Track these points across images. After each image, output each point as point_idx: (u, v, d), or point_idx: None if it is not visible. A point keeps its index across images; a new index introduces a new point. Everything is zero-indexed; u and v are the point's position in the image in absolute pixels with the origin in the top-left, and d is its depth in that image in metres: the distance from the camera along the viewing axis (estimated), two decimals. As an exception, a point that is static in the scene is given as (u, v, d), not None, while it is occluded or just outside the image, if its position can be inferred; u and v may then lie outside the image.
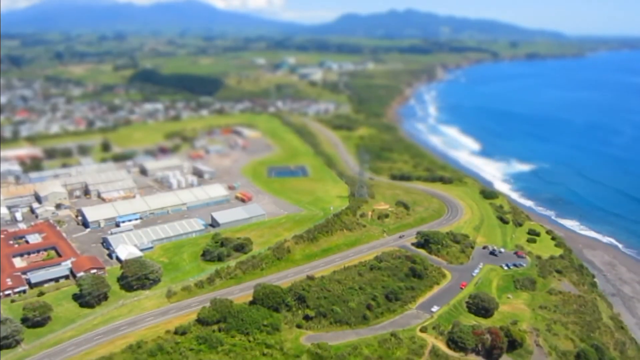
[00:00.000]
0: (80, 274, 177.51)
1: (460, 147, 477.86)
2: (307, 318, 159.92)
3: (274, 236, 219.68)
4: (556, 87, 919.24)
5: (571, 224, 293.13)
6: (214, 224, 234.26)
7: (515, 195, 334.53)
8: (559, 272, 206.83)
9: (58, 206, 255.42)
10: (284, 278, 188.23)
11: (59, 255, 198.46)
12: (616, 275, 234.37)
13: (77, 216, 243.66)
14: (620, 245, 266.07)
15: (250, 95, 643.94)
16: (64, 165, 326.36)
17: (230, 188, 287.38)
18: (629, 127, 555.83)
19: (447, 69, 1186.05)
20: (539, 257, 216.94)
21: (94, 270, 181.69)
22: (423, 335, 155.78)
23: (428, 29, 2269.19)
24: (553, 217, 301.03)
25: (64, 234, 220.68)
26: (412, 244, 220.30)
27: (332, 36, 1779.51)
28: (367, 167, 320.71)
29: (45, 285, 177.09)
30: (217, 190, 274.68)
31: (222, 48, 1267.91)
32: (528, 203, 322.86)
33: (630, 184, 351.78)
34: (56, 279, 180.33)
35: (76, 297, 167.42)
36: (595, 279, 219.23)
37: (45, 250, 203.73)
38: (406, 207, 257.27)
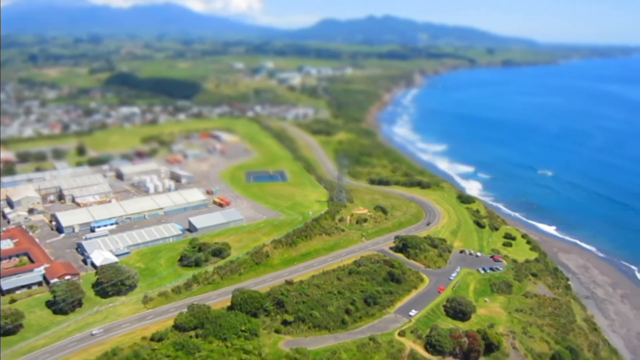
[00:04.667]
0: (53, 280, 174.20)
1: (437, 152, 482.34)
2: (285, 323, 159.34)
3: (252, 241, 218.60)
4: (530, 93, 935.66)
5: (546, 228, 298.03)
6: (191, 228, 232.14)
7: (489, 200, 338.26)
8: (534, 275, 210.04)
9: (31, 211, 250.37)
10: (262, 283, 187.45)
11: (32, 261, 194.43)
12: (589, 278, 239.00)
13: (51, 221, 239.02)
14: (593, 249, 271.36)
15: (228, 99, 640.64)
16: (38, 170, 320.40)
17: (209, 193, 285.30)
18: (600, 132, 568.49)
19: (425, 74, 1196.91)
20: (514, 261, 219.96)
21: (68, 277, 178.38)
22: (401, 339, 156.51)
23: (406, 35, 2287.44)
24: (528, 221, 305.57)
25: (37, 240, 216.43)
26: (391, 248, 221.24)
27: (311, 41, 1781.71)
28: (346, 172, 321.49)
29: (17, 292, 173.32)
30: (194, 195, 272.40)
31: (200, 52, 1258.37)
32: (503, 207, 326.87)
33: (602, 188, 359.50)
34: (29, 286, 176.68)
35: (49, 304, 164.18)
36: (570, 282, 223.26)
37: (17, 256, 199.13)
38: (384, 211, 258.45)
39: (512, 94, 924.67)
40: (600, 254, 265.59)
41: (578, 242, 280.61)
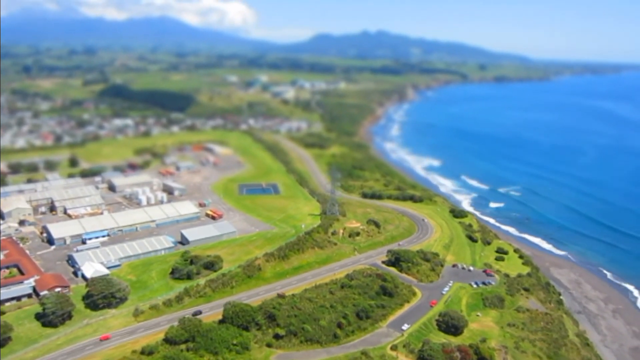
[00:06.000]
0: (43, 293, 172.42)
1: (430, 166, 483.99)
2: (277, 337, 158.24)
3: (244, 254, 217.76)
4: (523, 109, 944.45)
5: (538, 242, 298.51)
6: (183, 241, 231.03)
7: (482, 214, 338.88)
8: (526, 290, 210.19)
9: (22, 222, 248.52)
10: (254, 296, 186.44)
11: (22, 273, 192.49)
12: (582, 293, 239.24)
13: (42, 233, 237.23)
14: (585, 264, 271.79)
15: (222, 112, 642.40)
16: (29, 181, 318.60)
17: (201, 205, 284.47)
18: (592, 148, 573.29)
19: (417, 89, 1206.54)
20: (507, 275, 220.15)
21: (59, 289, 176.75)
22: (394, 353, 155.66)
23: (399, 50, 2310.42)
24: (520, 236, 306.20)
25: (27, 251, 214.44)
26: (383, 262, 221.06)
27: (305, 55, 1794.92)
28: (339, 185, 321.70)
29: (7, 304, 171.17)
30: (187, 207, 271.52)
31: (194, 65, 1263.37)
32: (495, 222, 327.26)
33: (595, 204, 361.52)
34: (18, 298, 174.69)
35: (39, 317, 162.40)
36: (562, 297, 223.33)
37: (7, 268, 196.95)
38: (377, 225, 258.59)
39: (505, 109, 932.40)
40: (593, 269, 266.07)
41: (570, 256, 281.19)
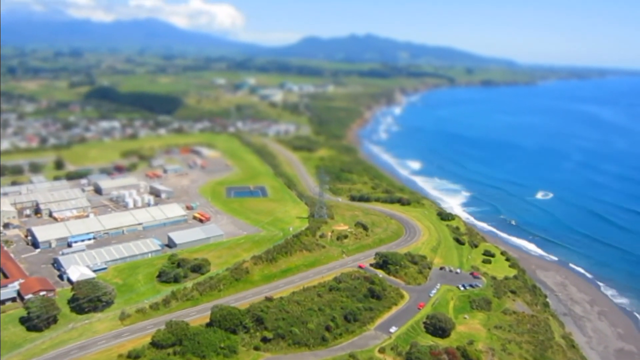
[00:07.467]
0: (28, 296, 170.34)
1: (417, 169, 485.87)
2: (265, 340, 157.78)
3: (232, 257, 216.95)
4: (510, 112, 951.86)
5: (524, 245, 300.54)
6: (170, 244, 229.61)
7: (469, 217, 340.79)
8: (513, 292, 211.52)
9: (6, 225, 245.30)
10: (242, 299, 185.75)
11: (6, 276, 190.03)
12: (567, 295, 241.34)
13: (26, 236, 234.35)
14: (571, 266, 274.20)
15: (210, 115, 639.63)
16: (14, 183, 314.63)
17: (188, 208, 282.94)
18: (577, 151, 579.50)
19: (405, 93, 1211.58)
20: (494, 278, 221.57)
21: (44, 292, 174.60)
22: (381, 356, 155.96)
23: (387, 54, 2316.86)
24: (507, 238, 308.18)
25: (11, 255, 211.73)
26: (371, 265, 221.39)
27: (293, 58, 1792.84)
28: (327, 188, 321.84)
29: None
30: (174, 210, 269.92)
31: (182, 67, 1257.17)
32: (482, 224, 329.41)
33: (579, 206, 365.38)
34: (2, 302, 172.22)
35: (23, 321, 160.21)
36: (548, 299, 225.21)
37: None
38: (365, 228, 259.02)
39: (492, 112, 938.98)
40: (578, 271, 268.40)
41: (556, 259, 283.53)
